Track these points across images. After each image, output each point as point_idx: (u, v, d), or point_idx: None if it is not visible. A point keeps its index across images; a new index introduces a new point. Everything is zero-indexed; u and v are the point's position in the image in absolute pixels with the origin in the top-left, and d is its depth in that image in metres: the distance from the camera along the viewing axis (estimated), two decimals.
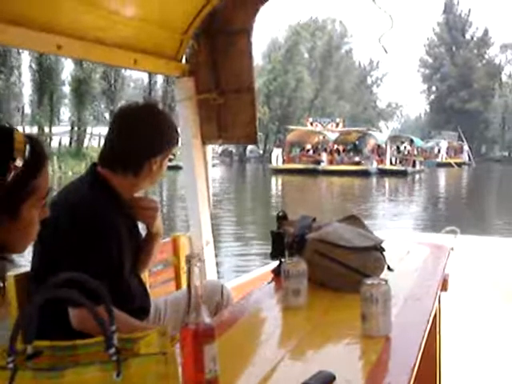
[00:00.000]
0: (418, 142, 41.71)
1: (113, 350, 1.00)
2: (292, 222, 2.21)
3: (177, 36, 2.98)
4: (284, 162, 37.58)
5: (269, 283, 2.07)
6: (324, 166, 36.22)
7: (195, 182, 3.17)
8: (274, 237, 2.17)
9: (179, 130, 3.25)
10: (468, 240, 4.14)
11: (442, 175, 40.26)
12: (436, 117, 73.34)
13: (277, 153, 38.27)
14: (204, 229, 3.21)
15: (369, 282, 1.55)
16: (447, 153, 50.61)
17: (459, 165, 47.52)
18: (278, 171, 35.14)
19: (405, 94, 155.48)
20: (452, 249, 3.73)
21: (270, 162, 38.72)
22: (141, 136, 1.90)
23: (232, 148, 48.86)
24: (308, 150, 39.63)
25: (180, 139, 3.34)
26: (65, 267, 1.68)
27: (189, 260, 1.17)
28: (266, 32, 57.83)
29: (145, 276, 2.61)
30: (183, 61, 3.10)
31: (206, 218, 3.23)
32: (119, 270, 1.87)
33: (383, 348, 1.46)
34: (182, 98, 3.13)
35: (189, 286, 1.17)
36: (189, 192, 3.24)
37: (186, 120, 3.15)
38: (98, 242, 1.79)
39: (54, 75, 37.88)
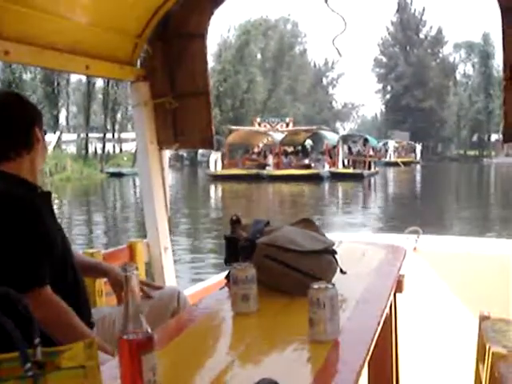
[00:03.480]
0: (372, 141, 38.86)
1: (28, 366, 0.97)
2: (245, 226, 2.18)
3: (130, 40, 2.96)
4: (224, 166, 33.26)
5: (221, 289, 2.05)
6: (270, 170, 32.73)
7: (152, 188, 3.14)
8: (227, 242, 2.14)
9: (135, 135, 3.26)
10: (430, 240, 4.14)
11: (392, 176, 39.32)
12: (392, 116, 74.18)
13: (215, 157, 33.08)
14: (161, 235, 3.19)
15: (316, 286, 1.52)
16: (398, 152, 51.03)
17: (407, 164, 48.16)
18: (217, 178, 31.37)
19: (361, 95, 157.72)
20: (415, 249, 3.76)
21: (208, 167, 34.19)
22: (15, 111, 1.92)
23: (183, 152, 45.65)
24: (252, 153, 35.96)
25: (136, 144, 3.33)
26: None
27: (125, 268, 1.14)
28: (217, 32, 55.88)
29: (100, 283, 2.59)
30: (138, 65, 3.09)
31: (163, 224, 3.21)
32: (50, 253, 1.84)
33: (330, 352, 1.46)
34: (138, 103, 3.11)
35: (126, 295, 1.14)
36: (145, 198, 3.21)
37: (141, 125, 3.13)
38: (26, 226, 1.78)
39: None
